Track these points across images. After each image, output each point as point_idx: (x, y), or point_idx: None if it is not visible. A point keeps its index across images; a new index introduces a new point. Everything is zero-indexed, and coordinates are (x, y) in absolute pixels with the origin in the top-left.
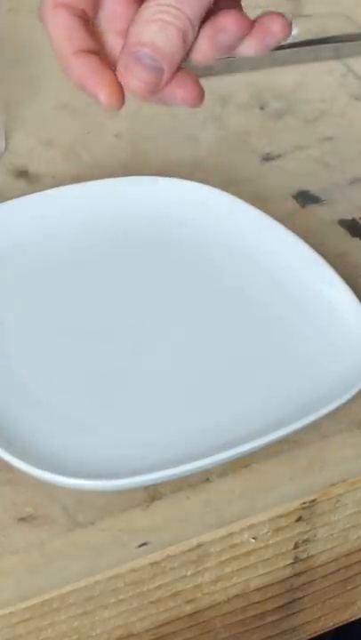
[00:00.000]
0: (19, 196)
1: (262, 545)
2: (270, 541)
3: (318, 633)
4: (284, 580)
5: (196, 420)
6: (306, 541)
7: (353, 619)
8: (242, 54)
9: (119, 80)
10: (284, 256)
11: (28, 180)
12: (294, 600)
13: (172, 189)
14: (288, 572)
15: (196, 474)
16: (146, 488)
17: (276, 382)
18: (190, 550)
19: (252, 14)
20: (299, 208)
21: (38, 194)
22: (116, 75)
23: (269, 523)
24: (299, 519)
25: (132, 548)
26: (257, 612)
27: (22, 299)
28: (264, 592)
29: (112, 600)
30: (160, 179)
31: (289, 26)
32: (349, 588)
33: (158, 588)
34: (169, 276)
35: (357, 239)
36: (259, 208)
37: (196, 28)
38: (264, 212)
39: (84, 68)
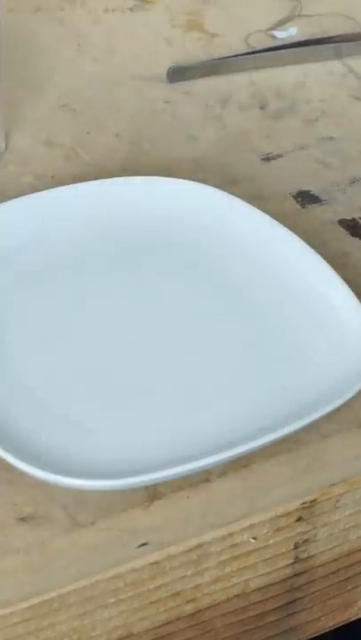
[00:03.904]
0: (19, 195)
1: (262, 545)
2: (270, 541)
3: (318, 633)
4: (284, 580)
5: (196, 420)
6: (306, 541)
7: (353, 619)
8: None
9: None
10: (283, 256)
11: (28, 179)
12: (294, 600)
13: (171, 189)
14: (288, 571)
15: (196, 474)
16: (146, 488)
17: (275, 382)
18: (190, 550)
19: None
20: (299, 208)
21: (38, 194)
22: None
23: (269, 523)
24: (299, 519)
25: (132, 548)
26: (257, 612)
27: (22, 299)
28: (264, 592)
29: (112, 600)
30: (160, 179)
31: None
32: (349, 588)
33: (158, 588)
34: (168, 275)
35: (357, 239)
36: (259, 208)
37: None
38: (264, 211)
39: None
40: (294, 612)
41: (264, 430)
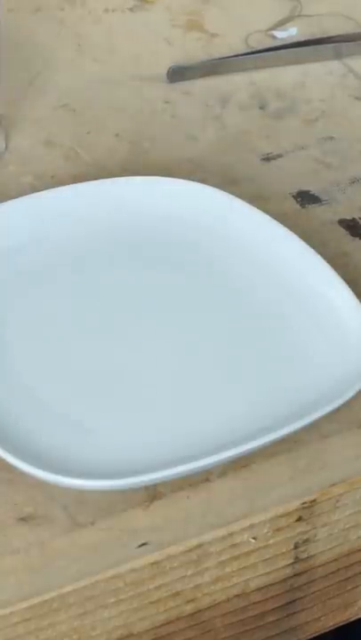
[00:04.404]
0: (19, 195)
1: (262, 545)
2: (270, 541)
3: (318, 633)
4: (284, 580)
5: (196, 420)
6: (306, 541)
7: (353, 619)
8: None
9: None
10: (284, 256)
11: (28, 179)
12: (294, 600)
13: (172, 189)
14: (288, 571)
15: (196, 474)
16: (146, 488)
17: (276, 382)
18: (190, 550)
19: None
20: (299, 208)
21: (38, 194)
22: None
23: (269, 523)
24: (299, 519)
25: (132, 548)
26: (257, 612)
27: (23, 298)
28: (264, 592)
29: (112, 600)
30: (160, 179)
31: None
32: (349, 588)
33: (158, 588)
34: (169, 275)
35: (357, 239)
36: (259, 208)
37: None
38: (264, 211)
39: None
40: (294, 612)
41: (264, 430)
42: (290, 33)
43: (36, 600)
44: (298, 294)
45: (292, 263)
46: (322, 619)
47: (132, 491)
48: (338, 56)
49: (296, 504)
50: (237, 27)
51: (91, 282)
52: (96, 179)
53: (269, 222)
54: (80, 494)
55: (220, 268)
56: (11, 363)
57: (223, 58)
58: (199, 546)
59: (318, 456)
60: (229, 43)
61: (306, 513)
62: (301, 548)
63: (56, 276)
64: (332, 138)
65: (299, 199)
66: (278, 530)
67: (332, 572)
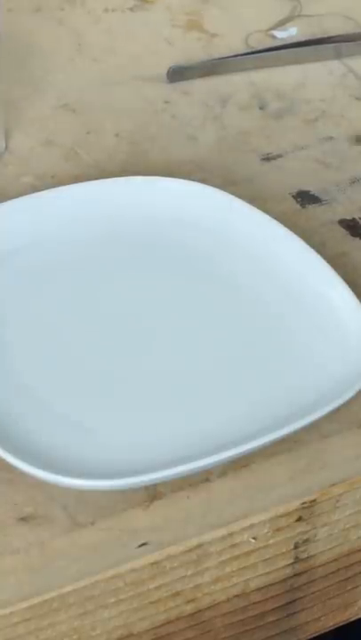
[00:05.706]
0: (19, 195)
1: (262, 545)
2: (270, 541)
3: (318, 633)
4: (284, 580)
5: (196, 420)
6: (306, 541)
7: (353, 619)
8: None
9: None
10: (283, 256)
11: (28, 179)
12: (294, 600)
13: (171, 189)
14: (288, 571)
15: (196, 474)
16: (146, 488)
17: (276, 382)
18: (190, 550)
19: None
20: (299, 208)
21: (38, 194)
22: None
23: (269, 523)
24: (299, 519)
25: (132, 548)
26: (257, 612)
27: (22, 299)
28: (264, 592)
29: (112, 600)
30: (160, 179)
31: None
32: (349, 588)
33: (158, 588)
34: (169, 275)
35: (357, 239)
36: (259, 208)
37: None
38: (264, 211)
39: None
40: (294, 612)
41: (264, 430)
42: (290, 33)
43: (36, 600)
44: (298, 294)
45: (292, 263)
46: (322, 619)
47: (132, 491)
48: (338, 56)
49: (296, 504)
50: (237, 27)
51: (91, 282)
52: (96, 179)
53: (269, 222)
54: (80, 494)
55: (219, 269)
56: (11, 363)
57: (223, 58)
58: (199, 546)
59: (318, 456)
60: (229, 43)
61: (306, 513)
62: (301, 548)
63: (56, 276)
64: (331, 138)
65: (299, 199)
66: (278, 530)
67: (332, 572)
